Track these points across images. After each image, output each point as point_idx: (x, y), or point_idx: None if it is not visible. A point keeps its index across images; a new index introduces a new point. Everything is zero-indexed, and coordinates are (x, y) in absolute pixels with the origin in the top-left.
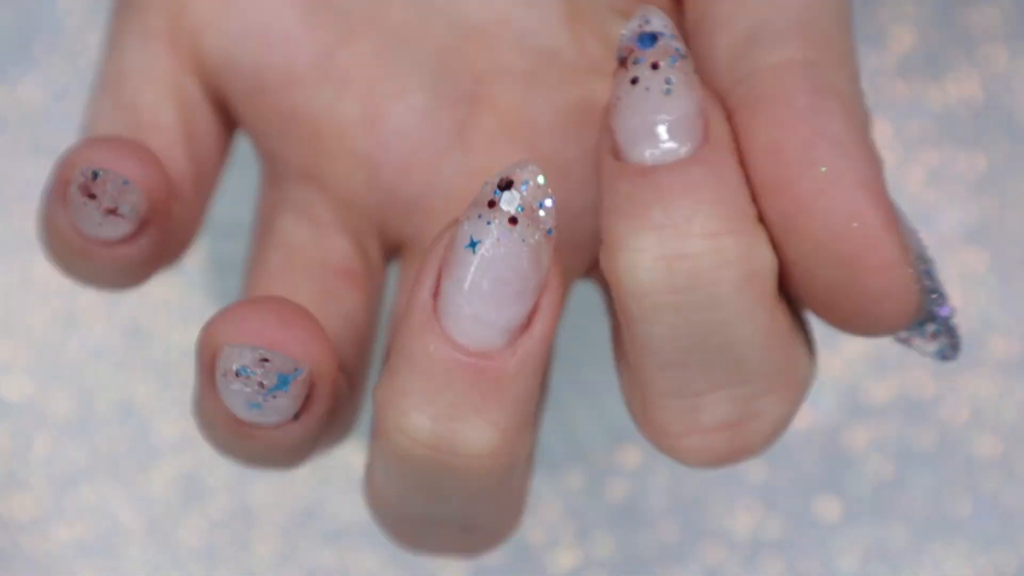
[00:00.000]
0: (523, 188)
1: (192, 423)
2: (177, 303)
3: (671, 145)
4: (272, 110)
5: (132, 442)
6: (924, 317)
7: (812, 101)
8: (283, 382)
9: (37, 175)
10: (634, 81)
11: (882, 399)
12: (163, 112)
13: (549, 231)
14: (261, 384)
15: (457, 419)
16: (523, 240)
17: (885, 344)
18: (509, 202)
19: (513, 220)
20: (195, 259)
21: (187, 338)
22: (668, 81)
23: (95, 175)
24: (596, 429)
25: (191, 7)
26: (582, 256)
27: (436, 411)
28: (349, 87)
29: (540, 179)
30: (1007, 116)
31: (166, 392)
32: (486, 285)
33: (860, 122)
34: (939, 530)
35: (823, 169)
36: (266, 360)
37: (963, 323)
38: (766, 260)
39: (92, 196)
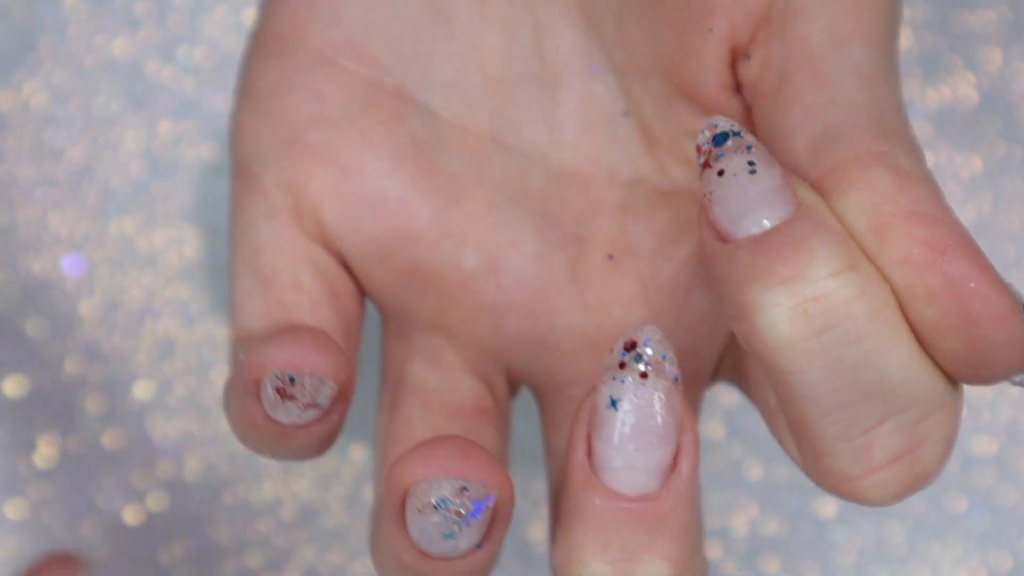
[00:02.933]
0: (646, 344)
1: (194, 423)
2: (180, 304)
3: (771, 212)
4: (396, 269)
5: (135, 441)
6: None
7: (898, 182)
8: (477, 510)
9: (42, 177)
10: (720, 173)
11: None
12: (303, 276)
13: (676, 378)
14: (459, 513)
15: (632, 559)
16: (656, 390)
17: None
18: (636, 360)
19: (644, 375)
20: (198, 261)
21: (190, 339)
22: (751, 163)
23: (292, 380)
24: None
25: (310, 183)
26: (704, 363)
27: (612, 556)
28: (466, 241)
29: (658, 335)
30: (1003, 118)
31: (169, 392)
32: (632, 436)
33: (942, 198)
34: (935, 528)
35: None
36: (465, 489)
37: None
38: (887, 291)
39: (291, 397)
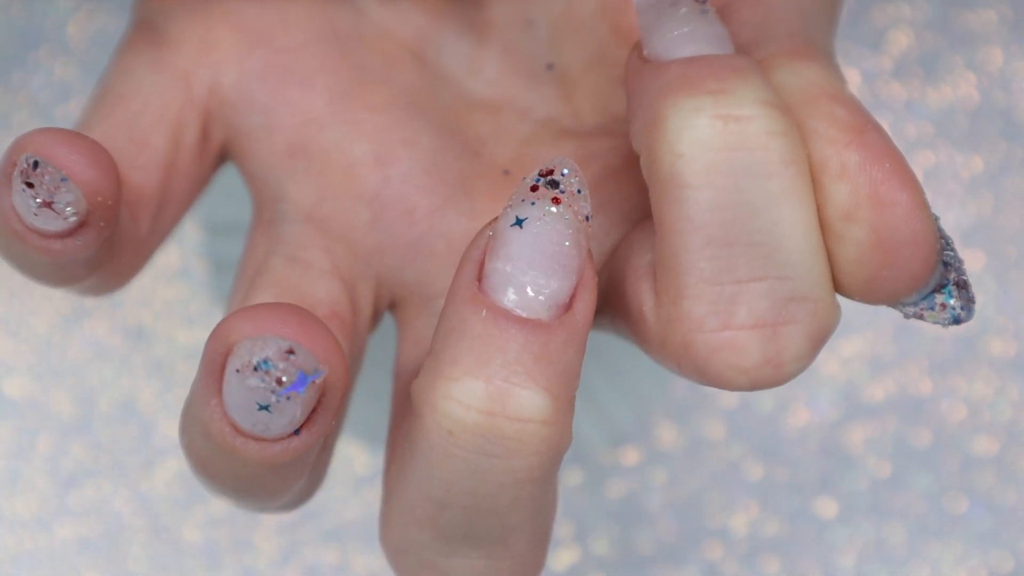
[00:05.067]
0: (563, 174)
1: None
2: (180, 303)
3: (712, 49)
4: (282, 146)
5: (134, 441)
6: (936, 284)
7: (824, 72)
8: (300, 381)
9: None
10: (673, 3)
11: (879, 398)
12: (157, 134)
13: (587, 217)
14: (279, 381)
15: (511, 379)
16: (565, 218)
17: (882, 343)
18: (551, 185)
19: (556, 200)
20: (198, 260)
21: (190, 338)
22: (704, 9)
23: (35, 165)
24: (596, 429)
25: (217, 45)
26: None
27: (489, 373)
28: (361, 129)
29: (577, 170)
30: (1003, 117)
31: (168, 392)
32: (535, 257)
33: (856, 101)
34: (935, 529)
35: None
36: (291, 353)
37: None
38: (805, 151)
39: (30, 185)
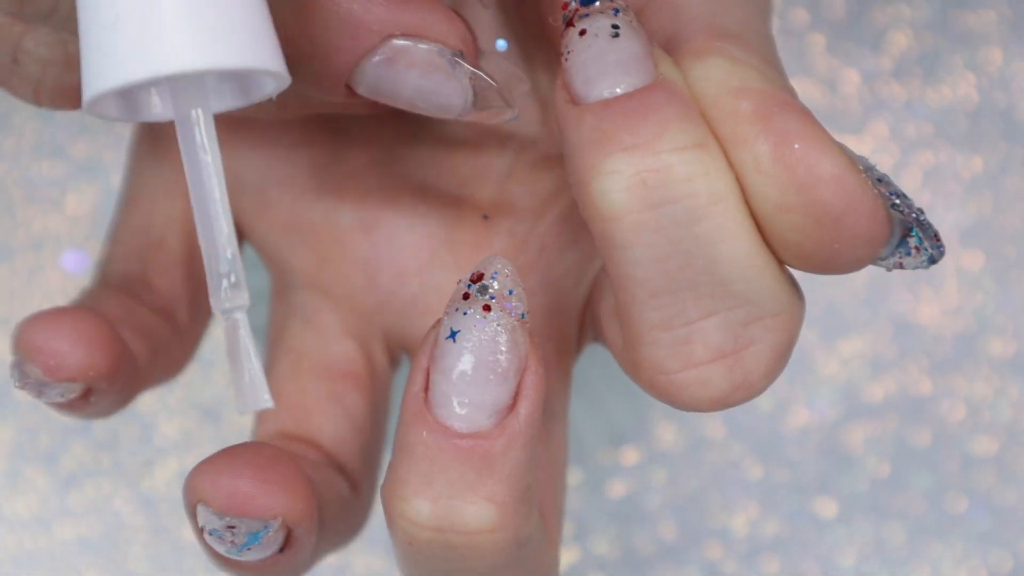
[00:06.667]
0: (493, 278)
1: (193, 422)
2: None
3: (627, 80)
4: (277, 222)
5: (134, 441)
6: (901, 230)
7: (728, 67)
8: (254, 538)
9: (42, 177)
10: (582, 33)
11: (879, 398)
12: (169, 233)
13: (523, 315)
14: (233, 543)
15: (455, 498)
16: (498, 325)
17: (882, 343)
18: (481, 292)
19: (487, 307)
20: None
21: None
22: (615, 27)
23: (20, 372)
24: (596, 429)
25: None
26: (570, 319)
27: (434, 493)
28: (344, 197)
29: (507, 269)
30: (1003, 117)
31: (168, 392)
32: (468, 370)
33: (778, 79)
34: (935, 528)
35: (745, 107)
36: (232, 527)
37: (960, 323)
38: (732, 178)
39: (23, 383)
